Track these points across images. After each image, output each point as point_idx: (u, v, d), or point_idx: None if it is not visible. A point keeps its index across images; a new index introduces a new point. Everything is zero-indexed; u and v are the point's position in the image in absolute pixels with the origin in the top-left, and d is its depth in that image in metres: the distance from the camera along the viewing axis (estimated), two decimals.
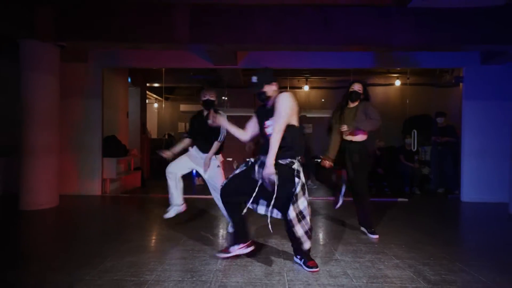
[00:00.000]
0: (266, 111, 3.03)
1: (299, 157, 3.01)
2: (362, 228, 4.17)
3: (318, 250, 3.52)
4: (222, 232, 4.20)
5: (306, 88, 9.44)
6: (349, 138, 4.04)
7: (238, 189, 3.04)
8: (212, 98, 4.07)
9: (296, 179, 2.89)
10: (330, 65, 7.02)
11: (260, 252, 3.40)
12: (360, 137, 4.03)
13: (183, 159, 4.12)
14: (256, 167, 2.98)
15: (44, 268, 2.96)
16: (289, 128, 2.91)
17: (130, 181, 7.88)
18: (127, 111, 8.61)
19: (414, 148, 7.46)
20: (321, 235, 4.13)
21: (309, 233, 2.98)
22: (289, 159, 2.93)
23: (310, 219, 2.99)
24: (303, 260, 3.02)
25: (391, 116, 8.94)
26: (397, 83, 8.67)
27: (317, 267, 2.96)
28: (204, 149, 4.02)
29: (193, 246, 3.58)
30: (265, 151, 2.89)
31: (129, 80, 8.78)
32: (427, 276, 2.86)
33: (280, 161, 2.89)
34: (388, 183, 7.60)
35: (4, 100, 6.81)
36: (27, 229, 4.42)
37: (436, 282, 2.75)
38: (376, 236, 3.97)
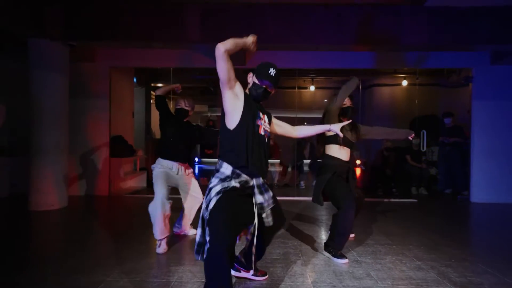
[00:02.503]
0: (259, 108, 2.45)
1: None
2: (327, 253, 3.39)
3: None
4: None
5: (312, 88, 9.42)
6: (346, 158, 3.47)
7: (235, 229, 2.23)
8: (187, 108, 3.77)
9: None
10: (338, 65, 6.97)
11: (280, 254, 3.37)
12: None
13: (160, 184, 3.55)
14: (257, 193, 2.29)
15: (62, 269, 2.91)
16: None
17: (136, 182, 7.83)
18: (133, 111, 8.55)
19: (423, 148, 7.44)
20: None
21: None
22: None
23: None
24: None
25: (398, 116, 8.92)
26: (404, 83, 8.64)
27: None
28: (179, 157, 3.70)
29: None
30: (260, 164, 2.32)
31: (135, 80, 8.74)
32: (452, 278, 2.82)
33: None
34: (396, 184, 7.57)
35: (10, 100, 6.74)
36: (40, 229, 4.37)
37: (463, 284, 2.72)
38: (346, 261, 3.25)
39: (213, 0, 5.18)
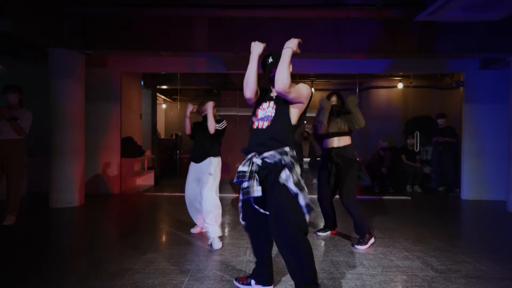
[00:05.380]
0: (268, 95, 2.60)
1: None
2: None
3: (335, 243, 3.90)
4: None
5: (312, 90, 9.82)
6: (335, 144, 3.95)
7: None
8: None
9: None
10: (336, 70, 7.39)
11: None
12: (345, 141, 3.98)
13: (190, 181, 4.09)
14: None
15: (93, 259, 3.32)
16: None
17: (145, 180, 8.24)
18: (140, 113, 8.95)
19: (417, 148, 7.84)
20: (336, 231, 4.48)
21: None
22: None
23: None
24: None
25: (394, 117, 9.33)
26: (400, 85, 9.05)
27: None
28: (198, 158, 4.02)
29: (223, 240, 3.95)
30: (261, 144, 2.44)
31: (142, 83, 9.12)
32: (434, 266, 3.24)
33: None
34: (391, 182, 7.97)
35: (27, 104, 7.11)
36: (62, 225, 4.78)
37: (443, 271, 3.13)
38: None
39: (219, 13, 5.56)
